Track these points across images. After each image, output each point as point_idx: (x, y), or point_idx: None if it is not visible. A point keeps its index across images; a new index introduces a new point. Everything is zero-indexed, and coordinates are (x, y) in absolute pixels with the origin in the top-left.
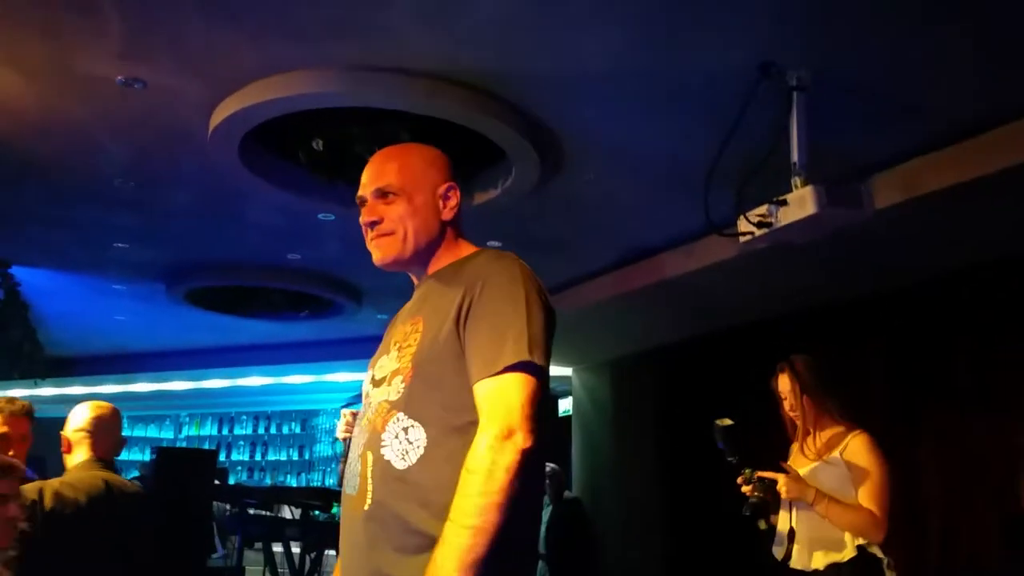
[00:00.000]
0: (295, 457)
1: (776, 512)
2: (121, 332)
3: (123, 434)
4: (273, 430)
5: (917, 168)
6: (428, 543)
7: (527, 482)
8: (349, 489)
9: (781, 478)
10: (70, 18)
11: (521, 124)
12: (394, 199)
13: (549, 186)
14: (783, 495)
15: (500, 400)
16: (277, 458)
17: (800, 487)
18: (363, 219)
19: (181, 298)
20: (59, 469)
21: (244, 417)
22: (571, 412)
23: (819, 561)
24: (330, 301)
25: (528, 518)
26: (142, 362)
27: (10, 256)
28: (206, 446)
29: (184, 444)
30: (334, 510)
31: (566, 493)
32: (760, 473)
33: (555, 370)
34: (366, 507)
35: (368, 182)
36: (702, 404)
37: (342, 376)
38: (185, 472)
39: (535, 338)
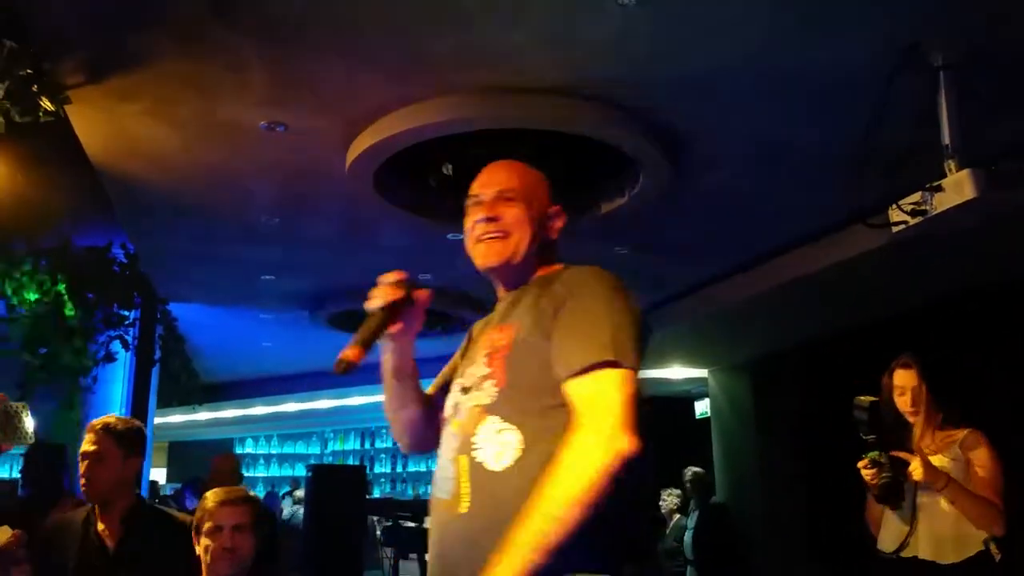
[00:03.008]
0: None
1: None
2: (269, 358)
3: None
4: None
5: None
6: None
7: (617, 487)
8: (441, 494)
9: (915, 461)
10: (217, 72)
11: (649, 130)
12: (514, 203)
13: (678, 190)
14: (915, 477)
15: (601, 399)
16: (418, 469)
17: (933, 471)
18: (479, 215)
19: (324, 322)
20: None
21: (384, 431)
22: (708, 414)
23: (946, 555)
24: (460, 319)
25: (619, 520)
26: (289, 384)
27: (167, 293)
28: (350, 460)
29: (330, 459)
30: None
31: (713, 498)
32: (893, 453)
33: (690, 372)
34: (462, 510)
35: (489, 184)
36: (848, 405)
37: None
38: (338, 487)
39: (621, 340)
